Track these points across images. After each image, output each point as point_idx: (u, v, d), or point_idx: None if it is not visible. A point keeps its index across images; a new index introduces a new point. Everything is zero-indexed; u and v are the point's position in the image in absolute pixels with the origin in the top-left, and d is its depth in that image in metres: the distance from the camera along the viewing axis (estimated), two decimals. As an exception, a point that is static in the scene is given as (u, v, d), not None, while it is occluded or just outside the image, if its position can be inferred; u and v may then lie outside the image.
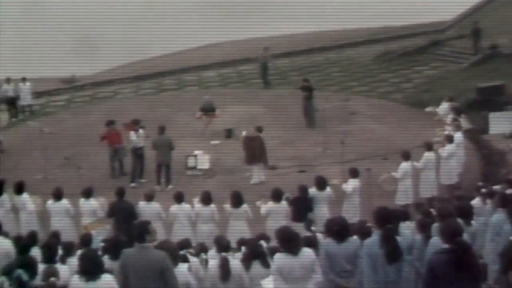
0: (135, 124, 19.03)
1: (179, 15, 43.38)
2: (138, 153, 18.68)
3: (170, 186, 17.99)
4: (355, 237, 9.03)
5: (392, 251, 7.85)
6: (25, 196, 14.63)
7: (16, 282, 6.85)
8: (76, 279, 7.59)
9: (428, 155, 16.48)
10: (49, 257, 9.10)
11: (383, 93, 27.58)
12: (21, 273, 6.83)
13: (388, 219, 8.06)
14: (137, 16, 44.03)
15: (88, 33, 42.18)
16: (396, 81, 29.45)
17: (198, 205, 13.90)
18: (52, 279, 6.61)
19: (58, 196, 14.29)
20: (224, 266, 9.38)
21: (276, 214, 13.51)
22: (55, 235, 11.40)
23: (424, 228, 10.09)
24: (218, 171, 19.35)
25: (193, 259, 10.02)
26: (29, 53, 38.34)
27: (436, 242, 8.40)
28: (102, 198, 14.88)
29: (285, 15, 43.17)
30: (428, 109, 21.90)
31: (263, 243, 10.02)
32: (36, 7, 43.62)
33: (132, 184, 18.17)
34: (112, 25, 44.14)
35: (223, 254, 9.64)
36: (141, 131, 18.86)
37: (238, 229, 13.28)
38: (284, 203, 13.67)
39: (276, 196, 13.61)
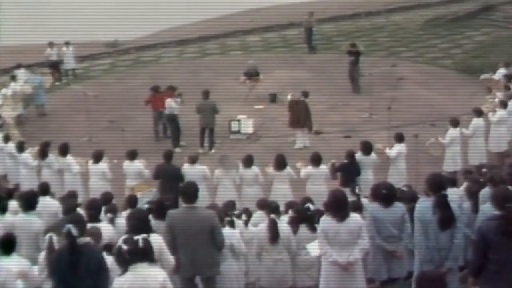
0: (172, 91, 19.10)
1: (222, -22, 43.18)
2: (175, 119, 18.77)
3: (213, 150, 18.14)
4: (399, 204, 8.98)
5: (446, 218, 7.74)
6: (69, 158, 14.85)
7: (66, 236, 6.92)
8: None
9: (477, 122, 16.25)
10: (93, 216, 9.22)
11: (432, 59, 27.12)
12: (70, 227, 6.90)
13: (442, 185, 7.94)
14: (181, -21, 43.93)
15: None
16: (445, 47, 28.88)
17: (241, 169, 14.01)
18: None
19: (97, 158, 14.50)
20: (273, 228, 9.40)
21: (315, 178, 13.67)
22: (105, 196, 11.51)
23: (473, 195, 10.03)
24: (262, 135, 19.39)
25: (238, 222, 10.10)
26: (72, 17, 38.60)
27: (488, 208, 8.31)
28: (143, 160, 15.02)
29: (331, -21, 42.57)
30: (484, 76, 21.43)
31: (310, 206, 9.98)
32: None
33: (177, 149, 18.32)
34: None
35: (272, 216, 9.66)
36: (177, 99, 18.92)
37: (282, 192, 13.38)
38: (323, 167, 13.76)
39: (315, 160, 13.71)
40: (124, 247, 6.59)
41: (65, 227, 6.91)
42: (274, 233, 9.40)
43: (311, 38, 28.70)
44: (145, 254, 6.68)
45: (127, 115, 20.88)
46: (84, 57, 30.30)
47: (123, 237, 6.86)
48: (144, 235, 6.87)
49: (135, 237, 6.74)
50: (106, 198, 11.20)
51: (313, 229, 9.43)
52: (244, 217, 10.46)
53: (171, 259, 7.75)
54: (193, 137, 18.75)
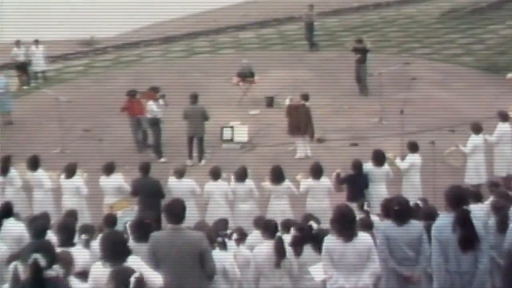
0: (154, 92, 19.04)
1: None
2: (159, 124, 18.76)
3: (203, 161, 18.07)
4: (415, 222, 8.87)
5: (468, 237, 7.62)
6: (40, 172, 14.70)
7: (33, 267, 6.68)
8: (98, 266, 7.54)
9: (503, 127, 16.13)
10: (65, 240, 9.08)
11: (450, 56, 27.14)
12: (38, 257, 6.67)
13: (463, 199, 7.84)
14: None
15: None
16: (465, 42, 28.95)
17: (234, 182, 13.95)
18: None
19: (70, 172, 14.35)
20: (280, 248, 9.33)
21: (316, 192, 13.59)
22: (72, 215, 11.42)
23: (499, 211, 9.91)
24: (258, 144, 19.35)
25: (231, 243, 10.00)
26: (42, 12, 38.55)
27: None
28: (120, 174, 14.86)
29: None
30: (511, 75, 21.38)
31: (313, 224, 9.88)
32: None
33: (162, 159, 18.34)
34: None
35: (278, 234, 9.58)
36: (160, 101, 18.86)
37: (280, 209, 13.31)
38: (324, 180, 13.65)
39: (316, 172, 13.61)
40: None
41: (31, 256, 6.70)
42: (281, 254, 9.31)
43: (312, 33, 28.76)
44: None
45: (105, 122, 20.82)
46: (56, 57, 30.28)
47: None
48: (137, 274, 6.73)
49: (131, 277, 6.60)
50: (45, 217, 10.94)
51: (319, 250, 9.31)
52: (235, 235, 10.33)
53: (154, 278, 7.54)
54: (180, 147, 18.67)
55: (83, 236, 9.91)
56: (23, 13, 37.52)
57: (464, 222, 7.66)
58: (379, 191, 13.59)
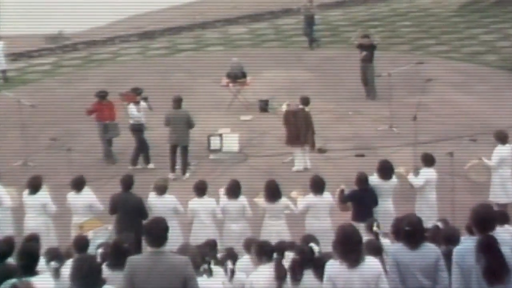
0: (135, 94, 19.03)
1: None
2: (142, 130, 18.81)
3: (187, 174, 18.10)
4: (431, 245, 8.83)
5: (496, 268, 7.57)
6: (-2, 187, 14.68)
7: None
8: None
9: (533, 136, 16.18)
10: (27, 268, 9.03)
11: (471, 54, 27.30)
12: (16, 282, 6.70)
13: (492, 223, 7.76)
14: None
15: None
16: (488, 39, 29.12)
17: (224, 199, 13.90)
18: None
19: (34, 186, 14.25)
20: (281, 270, 9.31)
21: (317, 210, 13.52)
22: (34, 239, 11.34)
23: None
24: (250, 154, 19.38)
25: (217, 270, 9.95)
26: (2, 3, 38.56)
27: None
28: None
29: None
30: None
31: (315, 247, 9.86)
32: None
33: (151, 165, 18.63)
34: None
35: (276, 256, 9.55)
36: (142, 103, 18.88)
37: (275, 230, 13.27)
38: (327, 196, 13.60)
39: (316, 186, 13.54)
40: None
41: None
42: (283, 276, 9.28)
43: (312, 28, 28.89)
44: None
45: (75, 130, 20.86)
46: (19, 54, 30.26)
47: None
48: None
49: None
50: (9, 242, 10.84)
51: (321, 276, 9.29)
52: (229, 264, 10.29)
53: None
54: (160, 157, 18.70)
55: (52, 264, 9.86)
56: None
57: (489, 250, 7.54)
58: (385, 208, 13.55)
